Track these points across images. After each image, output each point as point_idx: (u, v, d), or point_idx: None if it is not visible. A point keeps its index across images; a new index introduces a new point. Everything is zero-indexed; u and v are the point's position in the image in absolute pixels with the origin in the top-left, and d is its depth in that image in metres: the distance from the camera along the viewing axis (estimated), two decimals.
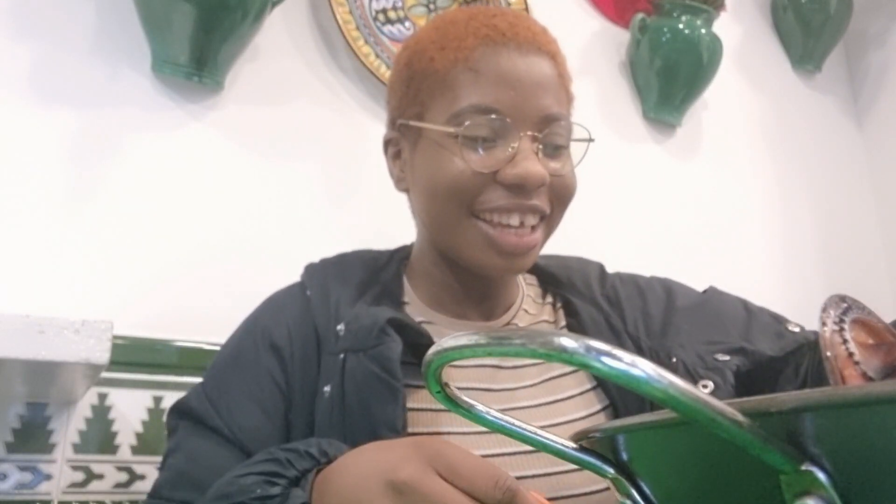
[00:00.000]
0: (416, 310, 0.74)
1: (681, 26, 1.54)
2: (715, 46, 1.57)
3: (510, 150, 0.64)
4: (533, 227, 0.66)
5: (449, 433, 0.64)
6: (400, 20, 1.32)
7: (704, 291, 0.83)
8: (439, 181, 0.66)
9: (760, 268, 1.69)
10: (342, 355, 0.65)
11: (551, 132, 0.66)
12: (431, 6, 1.36)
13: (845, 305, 0.41)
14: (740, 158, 1.74)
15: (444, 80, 0.66)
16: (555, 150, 0.67)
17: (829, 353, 0.38)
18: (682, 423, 0.26)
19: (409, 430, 0.61)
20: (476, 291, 0.74)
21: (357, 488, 0.46)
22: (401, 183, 0.74)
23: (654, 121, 1.61)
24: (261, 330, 0.70)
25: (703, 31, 1.55)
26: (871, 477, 0.24)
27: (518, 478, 0.60)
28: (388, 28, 1.30)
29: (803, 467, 0.25)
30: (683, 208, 1.61)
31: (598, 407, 0.70)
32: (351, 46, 1.24)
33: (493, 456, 0.63)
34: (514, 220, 0.65)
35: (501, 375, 0.70)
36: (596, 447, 0.37)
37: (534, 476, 0.63)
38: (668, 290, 0.81)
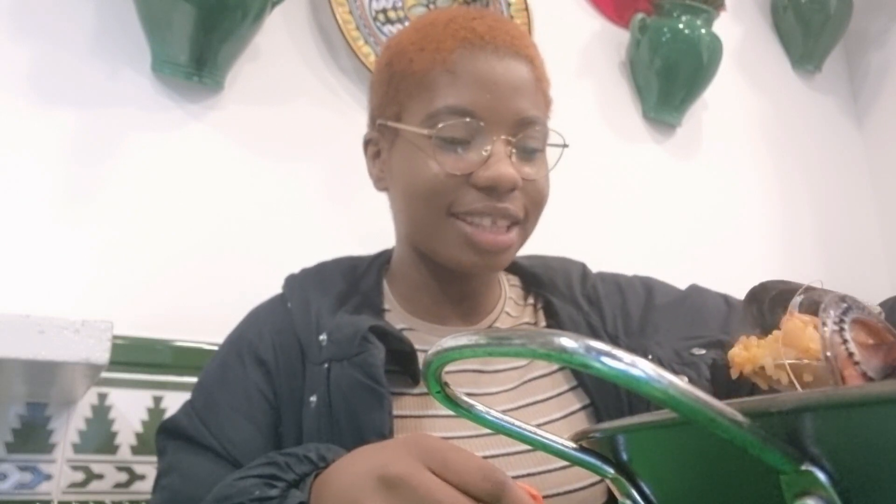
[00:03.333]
0: (397, 316, 0.74)
1: (681, 26, 1.54)
2: (715, 46, 1.57)
3: (484, 152, 0.65)
4: (507, 227, 0.67)
5: None
6: (400, 20, 1.32)
7: (686, 289, 0.83)
8: (415, 183, 0.67)
9: (760, 267, 1.69)
10: (326, 364, 0.65)
11: (525, 136, 0.66)
12: (431, 6, 1.36)
13: (845, 305, 0.41)
14: (740, 158, 1.74)
15: (422, 82, 0.67)
16: (529, 153, 0.68)
17: (829, 353, 0.38)
18: (682, 423, 0.26)
19: (395, 436, 0.62)
20: (455, 291, 0.74)
21: (351, 487, 0.47)
22: (380, 182, 0.74)
23: (654, 121, 1.61)
24: (245, 345, 0.70)
25: (703, 31, 1.55)
26: (871, 477, 0.24)
27: None
28: (388, 28, 1.30)
29: (803, 467, 0.25)
30: (683, 208, 1.61)
31: (578, 406, 0.71)
32: (351, 46, 1.24)
33: None
34: (486, 222, 0.66)
35: (483, 380, 0.71)
36: (596, 447, 0.37)
37: (519, 476, 0.64)
38: (649, 288, 0.81)
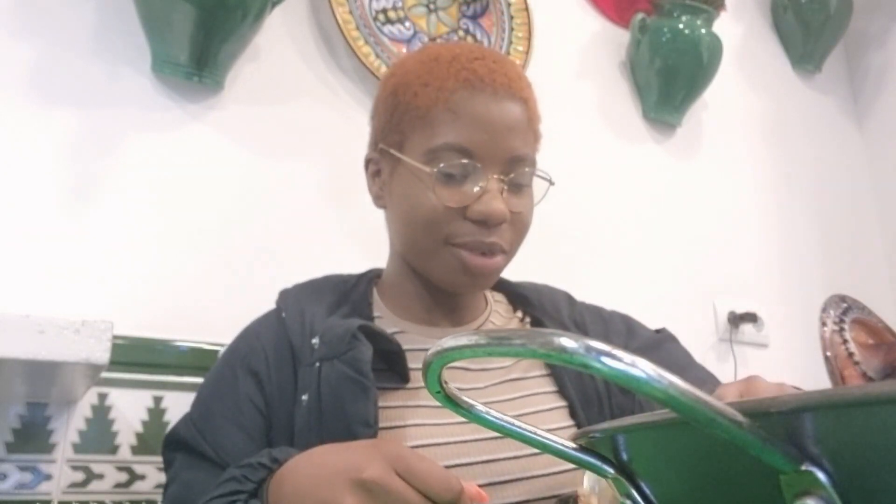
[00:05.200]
0: (388, 322, 0.78)
1: (681, 26, 1.54)
2: (715, 46, 1.57)
3: (478, 188, 0.70)
4: (493, 254, 0.73)
5: (416, 425, 0.68)
6: (400, 20, 1.32)
7: (658, 331, 0.89)
8: (414, 212, 0.72)
9: (760, 268, 1.69)
10: (317, 364, 0.69)
11: (517, 173, 0.72)
12: (431, 6, 1.36)
13: (845, 305, 0.41)
14: (740, 158, 1.74)
15: (425, 117, 0.72)
16: (518, 188, 0.74)
17: (829, 353, 0.38)
18: (682, 423, 0.26)
19: (381, 425, 0.66)
20: (446, 301, 0.79)
21: (318, 487, 0.51)
22: (378, 200, 0.80)
23: (654, 121, 1.61)
24: (239, 358, 0.74)
25: (703, 31, 1.55)
26: (871, 477, 0.24)
27: (487, 462, 0.67)
28: (388, 28, 1.30)
29: (803, 467, 0.25)
30: (683, 208, 1.61)
31: (559, 404, 0.76)
32: (351, 46, 1.24)
33: (462, 442, 0.68)
34: (476, 251, 0.72)
35: (469, 376, 0.75)
36: (596, 447, 0.37)
37: (504, 459, 0.68)
38: (628, 324, 0.88)
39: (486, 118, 0.70)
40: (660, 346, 0.86)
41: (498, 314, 0.84)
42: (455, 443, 0.68)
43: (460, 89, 0.71)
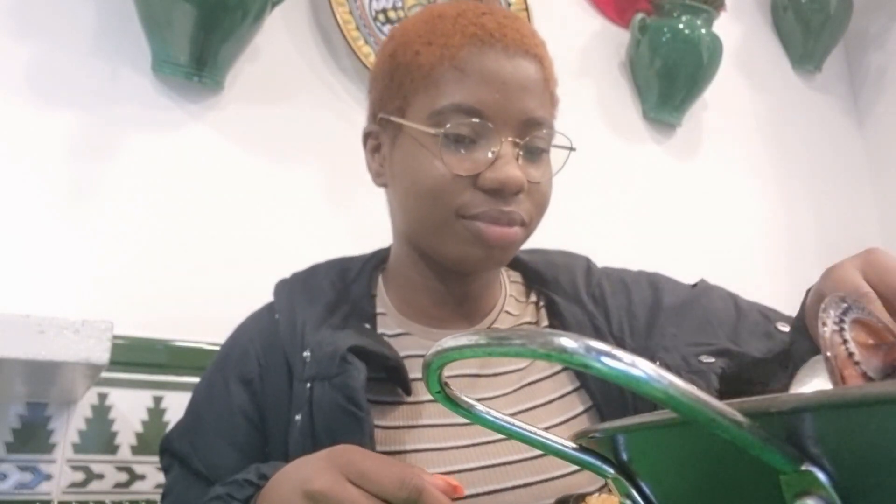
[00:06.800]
0: (392, 321, 0.72)
1: (681, 26, 1.54)
2: (715, 46, 1.57)
3: (491, 153, 0.63)
4: (511, 224, 0.65)
5: (417, 450, 0.64)
6: (400, 20, 1.32)
7: (695, 285, 0.81)
8: (419, 182, 0.64)
9: (760, 268, 1.69)
10: (309, 384, 0.64)
11: (533, 137, 0.65)
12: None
13: (845, 305, 0.41)
14: (740, 158, 1.74)
15: (429, 77, 0.64)
16: (535, 155, 0.66)
17: (829, 353, 0.38)
18: (682, 423, 0.26)
19: (378, 448, 0.61)
20: (457, 291, 0.72)
21: (280, 502, 0.51)
22: (379, 178, 0.72)
23: (654, 121, 1.61)
24: (231, 365, 0.70)
25: (703, 31, 1.55)
26: (871, 477, 0.24)
27: (494, 492, 0.62)
28: (387, 28, 1.30)
29: (803, 467, 0.25)
30: (683, 208, 1.61)
31: (581, 409, 0.69)
32: (351, 46, 1.24)
33: (466, 471, 0.63)
34: (492, 222, 0.65)
35: (481, 384, 0.69)
36: (596, 447, 0.37)
37: (512, 488, 0.63)
38: (656, 287, 0.79)
39: (498, 76, 0.63)
40: (694, 302, 0.77)
41: (513, 299, 0.76)
42: (458, 472, 0.63)
43: (468, 45, 0.63)
